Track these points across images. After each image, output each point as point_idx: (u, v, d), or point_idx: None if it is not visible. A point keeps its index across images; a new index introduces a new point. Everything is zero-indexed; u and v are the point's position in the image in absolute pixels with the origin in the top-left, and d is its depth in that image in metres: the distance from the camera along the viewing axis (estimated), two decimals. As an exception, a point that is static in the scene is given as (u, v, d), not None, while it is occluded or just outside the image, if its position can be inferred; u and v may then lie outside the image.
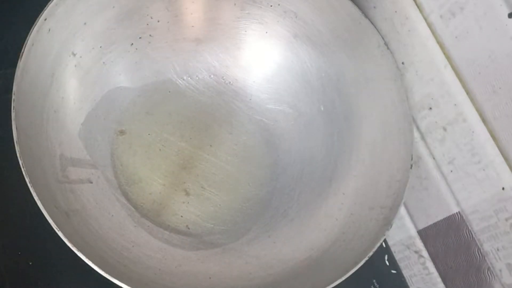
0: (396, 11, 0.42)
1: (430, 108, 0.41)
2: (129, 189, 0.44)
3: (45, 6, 0.38)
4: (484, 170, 0.38)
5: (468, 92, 0.38)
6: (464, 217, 0.40)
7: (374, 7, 0.45)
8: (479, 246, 0.40)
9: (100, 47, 0.44)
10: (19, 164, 0.34)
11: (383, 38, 0.43)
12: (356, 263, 0.37)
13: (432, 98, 0.41)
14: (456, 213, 0.41)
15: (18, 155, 0.34)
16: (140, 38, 0.47)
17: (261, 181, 0.48)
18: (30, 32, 0.38)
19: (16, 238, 0.43)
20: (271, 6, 0.47)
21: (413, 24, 0.41)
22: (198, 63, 0.50)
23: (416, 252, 0.46)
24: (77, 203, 0.39)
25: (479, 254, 0.40)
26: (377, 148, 0.44)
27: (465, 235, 0.40)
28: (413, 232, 0.46)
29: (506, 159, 0.36)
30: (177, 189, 0.45)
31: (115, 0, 0.44)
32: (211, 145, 0.47)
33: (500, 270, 0.38)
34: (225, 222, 0.45)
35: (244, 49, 0.49)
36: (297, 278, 0.40)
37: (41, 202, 0.34)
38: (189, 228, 0.44)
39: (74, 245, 0.33)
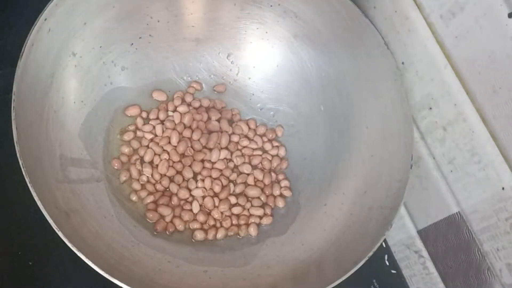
0: (396, 11, 0.42)
1: (430, 108, 0.41)
2: (129, 189, 0.44)
3: (45, 6, 0.38)
4: (484, 170, 0.38)
5: (468, 92, 0.38)
6: (464, 217, 0.40)
7: (374, 7, 0.45)
8: (479, 246, 0.40)
9: (100, 47, 0.45)
10: (19, 164, 0.34)
11: (383, 38, 0.44)
12: (356, 263, 0.37)
13: (432, 98, 0.41)
14: (456, 213, 0.41)
15: (18, 155, 0.34)
16: (140, 38, 0.47)
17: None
18: (30, 32, 0.38)
19: (16, 238, 0.43)
20: (271, 6, 0.47)
21: (413, 24, 0.41)
22: (198, 63, 0.50)
23: (416, 252, 0.46)
24: (77, 203, 0.39)
25: (479, 254, 0.40)
26: (377, 148, 0.44)
27: (465, 235, 0.40)
28: (413, 232, 0.46)
29: (506, 159, 0.36)
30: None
31: (115, 0, 0.44)
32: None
33: (500, 270, 0.38)
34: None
35: (244, 49, 0.49)
36: (297, 278, 0.40)
37: (41, 202, 0.34)
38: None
39: (74, 245, 0.33)
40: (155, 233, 0.43)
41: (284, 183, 0.47)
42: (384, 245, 0.50)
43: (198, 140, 0.47)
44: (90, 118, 0.44)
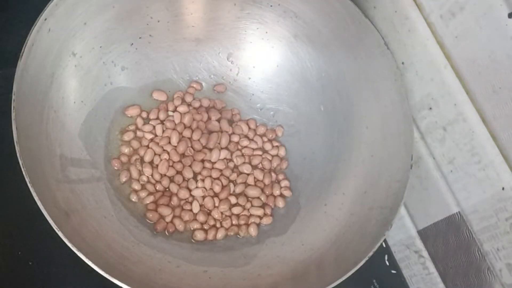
0: (396, 11, 0.42)
1: (430, 108, 0.41)
2: (129, 189, 0.44)
3: (45, 6, 0.38)
4: (484, 170, 0.38)
5: (468, 92, 0.38)
6: (464, 217, 0.40)
7: (374, 7, 0.45)
8: (479, 246, 0.40)
9: (100, 47, 0.45)
10: (19, 164, 0.34)
11: (383, 38, 0.44)
12: (356, 263, 0.37)
13: (432, 98, 0.41)
14: (456, 213, 0.41)
15: (18, 155, 0.34)
16: (140, 38, 0.47)
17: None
18: (30, 32, 0.38)
19: (16, 238, 0.43)
20: (271, 6, 0.47)
21: (413, 24, 0.41)
22: (198, 63, 0.50)
23: (416, 252, 0.46)
24: (77, 203, 0.39)
25: (479, 254, 0.40)
26: (377, 148, 0.44)
27: (465, 235, 0.40)
28: (413, 232, 0.46)
29: (506, 159, 0.36)
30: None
31: (115, 0, 0.44)
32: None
33: (500, 270, 0.38)
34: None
35: (244, 49, 0.49)
36: (297, 278, 0.40)
37: (41, 202, 0.34)
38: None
39: (74, 245, 0.33)
40: (155, 233, 0.43)
41: (284, 183, 0.47)
42: (384, 245, 0.50)
43: (198, 140, 0.47)
44: (90, 118, 0.44)
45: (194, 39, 0.49)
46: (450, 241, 0.42)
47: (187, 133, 0.47)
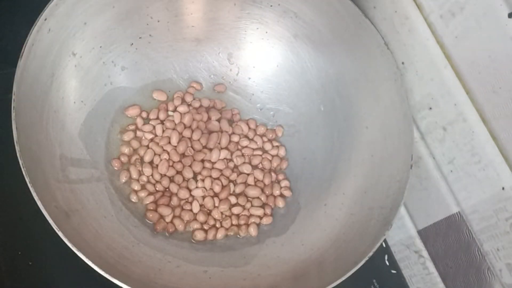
0: (396, 11, 0.42)
1: (430, 108, 0.41)
2: (129, 189, 0.44)
3: (45, 6, 0.38)
4: (484, 170, 0.38)
5: (468, 92, 0.38)
6: (464, 217, 0.40)
7: (374, 7, 0.45)
8: (479, 246, 0.40)
9: (100, 47, 0.45)
10: (19, 164, 0.34)
11: (383, 38, 0.44)
12: (356, 263, 0.37)
13: (432, 98, 0.41)
14: (456, 213, 0.41)
15: (18, 155, 0.34)
16: (140, 38, 0.47)
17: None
18: (30, 32, 0.38)
19: (16, 238, 0.43)
20: (271, 6, 0.47)
21: (413, 24, 0.41)
22: (198, 63, 0.50)
23: (416, 252, 0.46)
24: (77, 203, 0.39)
25: (479, 254, 0.40)
26: (377, 148, 0.44)
27: (465, 235, 0.40)
28: (413, 232, 0.46)
29: (506, 159, 0.36)
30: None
31: (115, 0, 0.44)
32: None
33: (500, 270, 0.38)
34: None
35: (244, 49, 0.49)
36: (297, 278, 0.40)
37: (41, 202, 0.34)
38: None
39: (74, 245, 0.33)
40: (155, 233, 0.43)
41: (284, 183, 0.47)
42: (384, 245, 0.50)
43: (198, 140, 0.47)
44: (90, 118, 0.44)
45: (194, 39, 0.49)
46: (450, 241, 0.42)
47: (187, 133, 0.47)
